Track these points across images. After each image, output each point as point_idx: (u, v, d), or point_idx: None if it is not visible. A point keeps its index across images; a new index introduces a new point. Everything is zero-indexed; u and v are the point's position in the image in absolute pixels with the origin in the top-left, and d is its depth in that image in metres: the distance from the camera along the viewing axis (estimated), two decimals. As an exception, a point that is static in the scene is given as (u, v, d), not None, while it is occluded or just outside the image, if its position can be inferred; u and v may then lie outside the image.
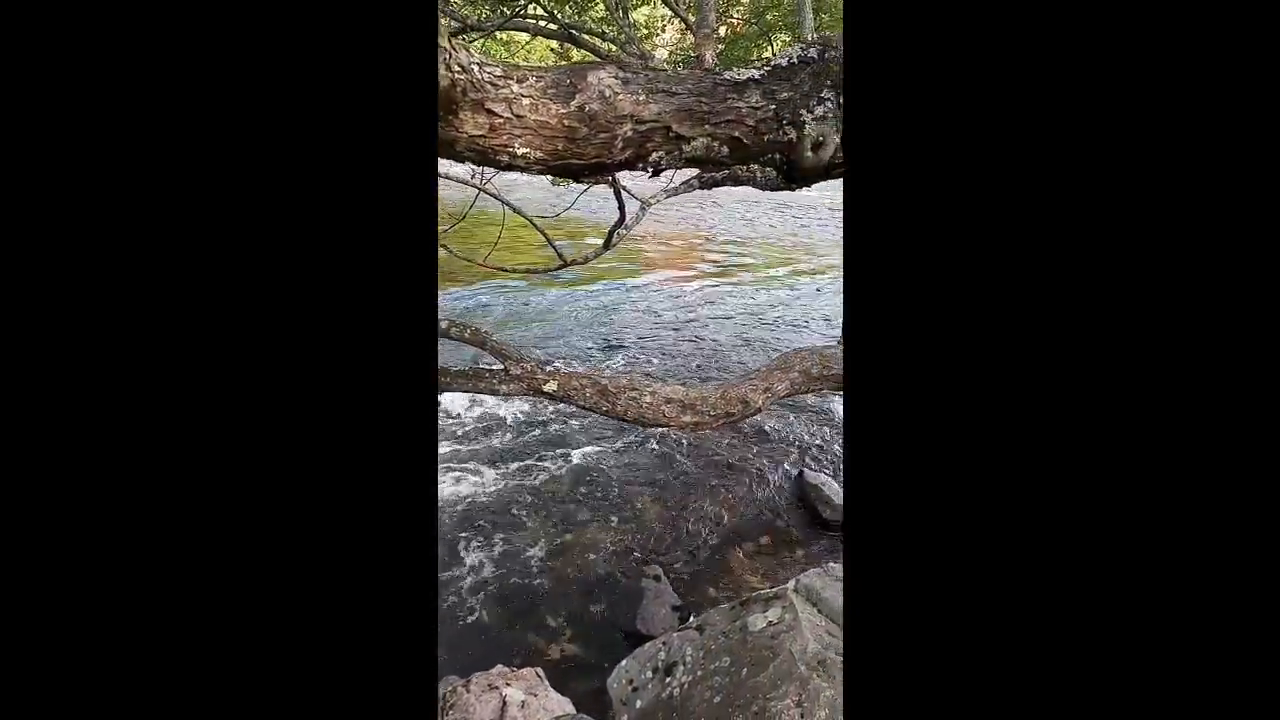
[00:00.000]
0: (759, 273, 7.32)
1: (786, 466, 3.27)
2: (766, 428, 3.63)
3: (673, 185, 2.96)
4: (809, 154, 0.85)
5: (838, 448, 3.48)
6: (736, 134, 0.81)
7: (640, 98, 0.74)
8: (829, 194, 13.63)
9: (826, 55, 0.86)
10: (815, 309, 5.98)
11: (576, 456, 3.32)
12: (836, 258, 8.13)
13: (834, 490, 2.96)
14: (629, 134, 0.75)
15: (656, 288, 6.64)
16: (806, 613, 1.74)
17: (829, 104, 0.84)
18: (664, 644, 1.85)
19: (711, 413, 1.92)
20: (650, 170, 0.80)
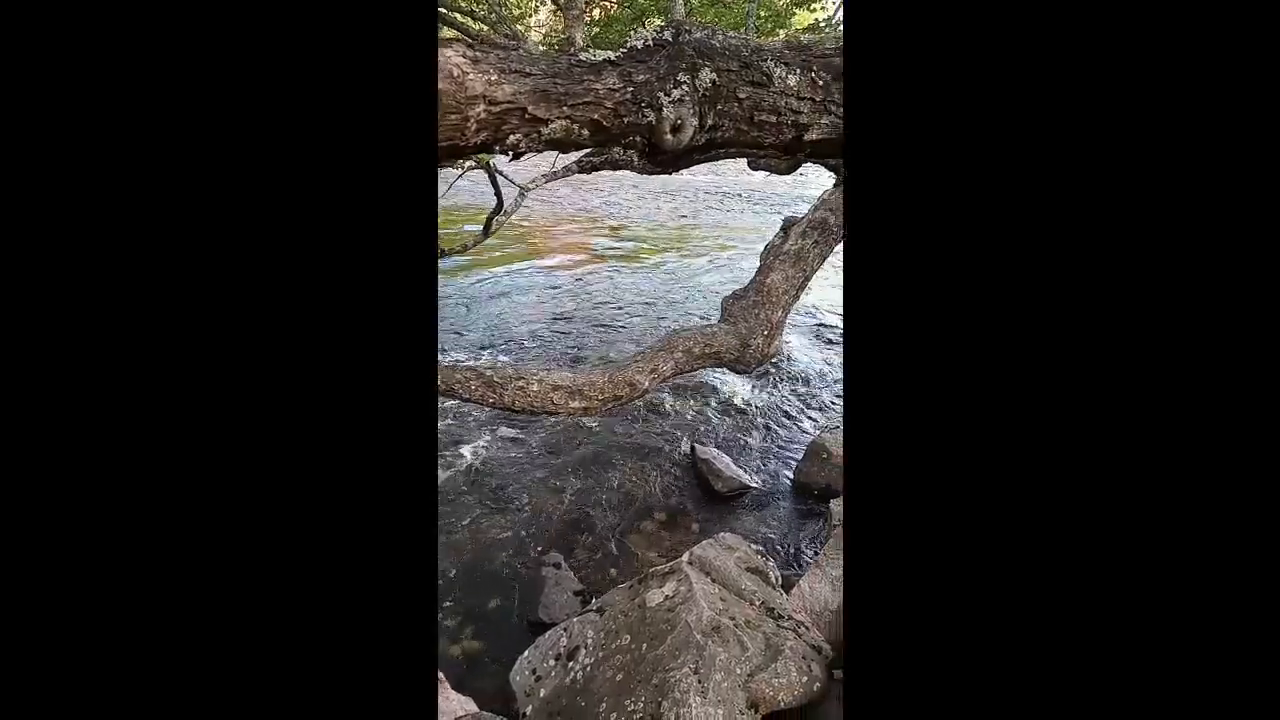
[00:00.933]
0: (646, 257, 7.41)
1: (677, 444, 3.36)
2: (656, 407, 3.70)
3: (552, 170, 2.91)
4: (668, 136, 0.87)
5: (727, 420, 3.62)
6: (595, 116, 0.81)
7: (492, 78, 0.72)
8: (716, 177, 14.00)
9: (681, 38, 0.88)
10: (697, 289, 6.15)
11: (467, 452, 3.23)
12: (725, 239, 8.39)
13: (724, 463, 3.09)
14: (482, 116, 0.73)
15: (542, 274, 6.55)
16: (701, 583, 1.81)
17: (685, 86, 0.86)
18: (565, 630, 1.85)
19: (599, 397, 1.92)
20: (510, 154, 0.78)
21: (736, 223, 9.67)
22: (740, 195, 12.41)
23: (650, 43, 0.86)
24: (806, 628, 1.76)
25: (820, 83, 1.04)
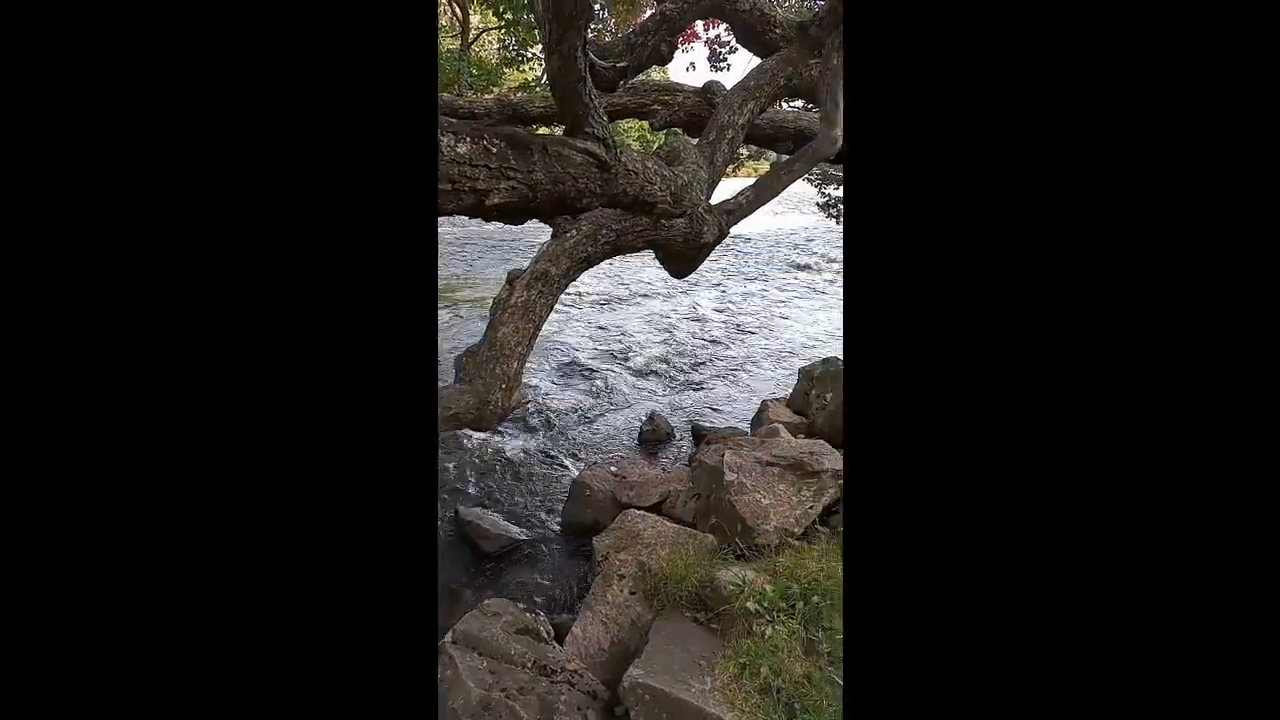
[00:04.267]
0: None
1: (440, 509, 3.17)
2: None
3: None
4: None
5: (487, 477, 3.52)
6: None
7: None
8: (453, 227, 13.74)
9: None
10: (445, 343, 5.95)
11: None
12: (452, 294, 8.23)
13: (490, 521, 2.98)
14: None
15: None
16: (467, 661, 1.70)
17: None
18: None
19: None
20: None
21: (480, 275, 9.61)
22: (480, 244, 12.39)
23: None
24: (580, 675, 1.76)
25: (494, 150, 1.08)
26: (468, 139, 1.03)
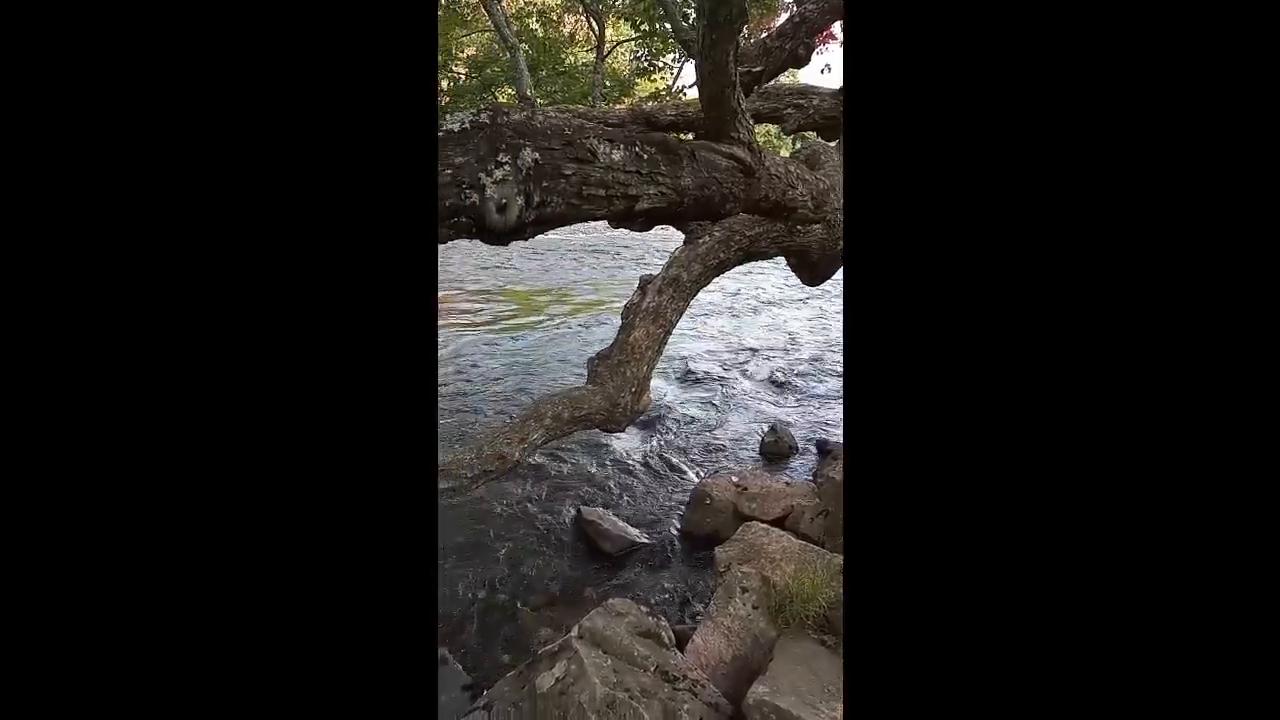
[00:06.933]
0: (517, 320, 7.35)
1: (561, 509, 3.28)
2: (536, 474, 3.61)
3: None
4: (495, 215, 0.86)
5: (610, 478, 3.59)
6: (413, 200, 0.78)
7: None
8: (584, 235, 14.28)
9: (498, 120, 0.88)
10: (556, 351, 6.15)
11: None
12: (583, 298, 8.52)
13: (611, 522, 3.04)
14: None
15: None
16: (592, 657, 1.73)
17: (506, 166, 0.86)
18: (451, 736, 1.69)
19: (468, 475, 1.83)
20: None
21: (604, 279, 9.90)
22: (609, 251, 12.76)
23: (467, 125, 0.85)
24: (703, 685, 1.73)
25: (645, 157, 1.09)
26: (621, 146, 1.05)
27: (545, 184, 0.92)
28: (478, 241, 0.93)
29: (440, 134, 0.83)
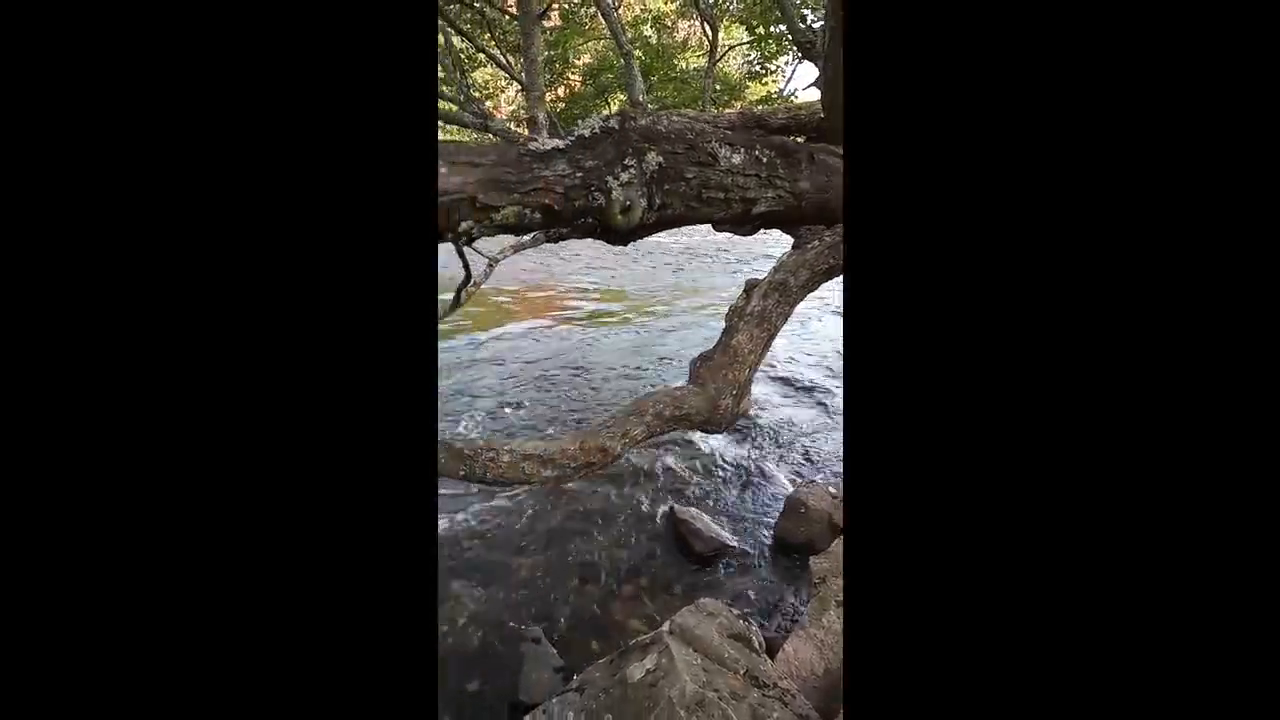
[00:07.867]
0: (621, 318, 7.50)
1: (656, 505, 3.32)
2: (633, 470, 3.67)
3: (519, 241, 2.97)
4: (619, 216, 0.91)
5: (704, 479, 3.60)
6: (546, 201, 0.84)
7: (442, 170, 0.75)
8: (685, 238, 14.37)
9: (626, 125, 0.93)
10: (659, 352, 6.20)
11: (440, 524, 3.15)
12: (683, 302, 8.55)
13: (704, 522, 3.05)
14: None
15: (516, 340, 6.57)
16: (682, 654, 1.76)
17: (632, 169, 0.90)
18: (545, 712, 1.77)
19: (572, 465, 1.91)
20: (463, 239, 0.81)
21: (707, 282, 9.89)
22: (709, 255, 12.73)
23: (597, 130, 0.90)
24: (793, 695, 1.71)
25: (764, 160, 1.11)
26: (741, 149, 1.06)
27: (667, 186, 0.95)
28: (593, 241, 0.98)
29: (572, 139, 0.89)
